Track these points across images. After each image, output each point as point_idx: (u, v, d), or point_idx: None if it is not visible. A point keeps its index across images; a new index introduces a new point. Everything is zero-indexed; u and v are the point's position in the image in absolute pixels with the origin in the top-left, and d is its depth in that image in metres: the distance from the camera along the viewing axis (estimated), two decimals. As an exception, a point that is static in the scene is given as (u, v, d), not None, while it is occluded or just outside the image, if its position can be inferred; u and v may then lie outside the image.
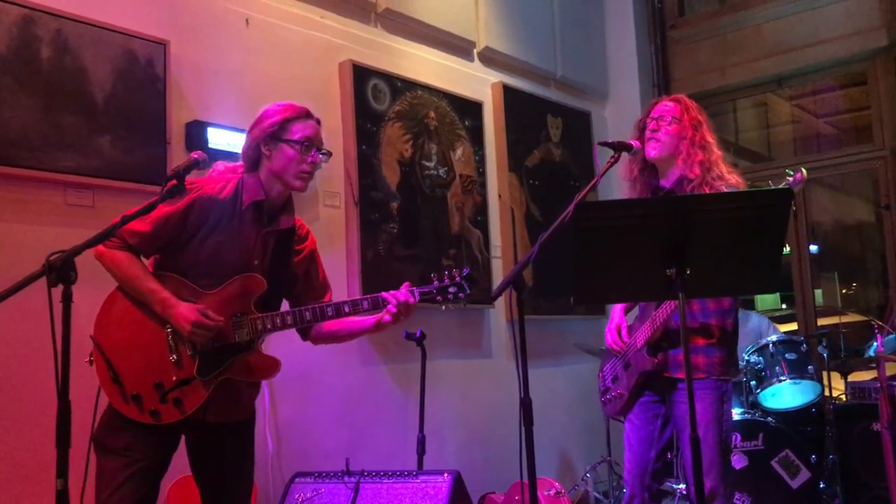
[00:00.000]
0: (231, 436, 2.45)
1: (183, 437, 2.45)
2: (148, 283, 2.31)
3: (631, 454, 2.97)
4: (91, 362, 2.29)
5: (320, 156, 2.47)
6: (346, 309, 2.44)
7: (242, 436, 2.51)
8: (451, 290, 2.51)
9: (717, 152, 2.92)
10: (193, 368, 2.31)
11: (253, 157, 2.45)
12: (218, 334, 2.33)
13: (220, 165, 2.52)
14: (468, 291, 2.53)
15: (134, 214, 2.20)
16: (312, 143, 2.45)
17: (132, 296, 2.32)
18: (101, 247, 2.27)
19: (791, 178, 2.67)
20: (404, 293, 2.45)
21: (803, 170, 2.67)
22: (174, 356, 2.30)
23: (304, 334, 2.64)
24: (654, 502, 2.94)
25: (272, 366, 2.44)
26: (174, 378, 2.29)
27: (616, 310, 3.17)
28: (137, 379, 2.27)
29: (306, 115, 2.47)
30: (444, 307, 2.58)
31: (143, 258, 2.38)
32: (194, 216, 2.33)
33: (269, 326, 2.39)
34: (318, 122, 2.51)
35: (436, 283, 2.53)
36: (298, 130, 2.43)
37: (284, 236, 2.51)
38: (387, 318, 2.46)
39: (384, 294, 2.45)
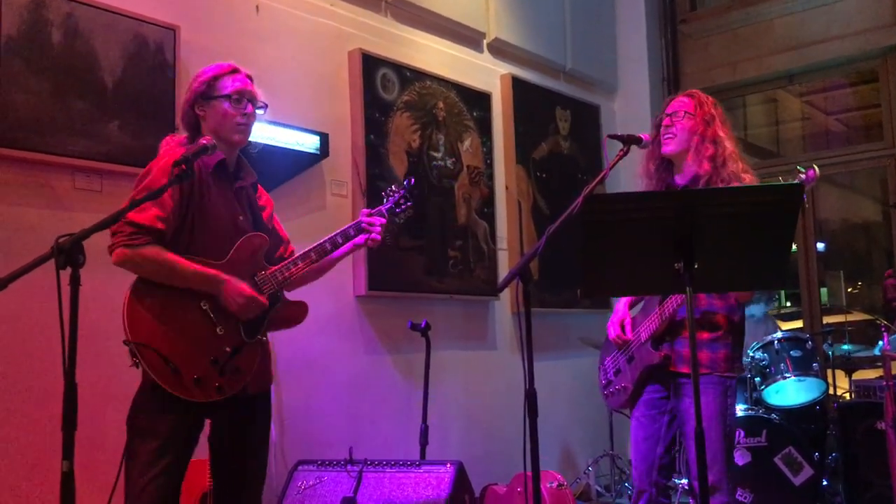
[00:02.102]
0: (258, 410, 2.50)
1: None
2: (190, 266, 2.30)
3: (637, 451, 2.96)
4: (137, 365, 2.25)
5: (253, 107, 2.49)
6: (352, 232, 2.61)
7: (266, 409, 2.57)
8: (402, 202, 2.75)
9: (729, 147, 2.89)
10: (240, 334, 2.36)
11: (191, 121, 2.48)
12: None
13: (170, 141, 2.53)
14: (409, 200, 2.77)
15: (143, 199, 2.19)
16: (244, 96, 2.47)
17: (170, 285, 2.29)
18: (123, 250, 2.25)
19: (803, 175, 2.62)
20: (378, 218, 2.65)
21: (815, 167, 2.63)
22: (220, 329, 2.32)
23: None
24: (663, 498, 2.94)
25: (303, 308, 2.56)
26: (227, 349, 2.32)
27: (620, 303, 3.16)
28: (193, 362, 2.27)
29: (234, 70, 2.49)
30: (397, 220, 2.78)
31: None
32: (182, 186, 2.33)
33: (287, 275, 2.47)
34: (250, 77, 2.52)
35: (391, 200, 2.74)
36: (227, 85, 2.45)
37: (251, 193, 2.57)
38: (370, 244, 2.64)
39: (364, 222, 2.63)
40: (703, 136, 2.87)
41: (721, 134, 2.89)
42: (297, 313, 2.55)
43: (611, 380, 3.13)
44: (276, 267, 2.47)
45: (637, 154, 2.97)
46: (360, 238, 2.62)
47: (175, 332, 2.28)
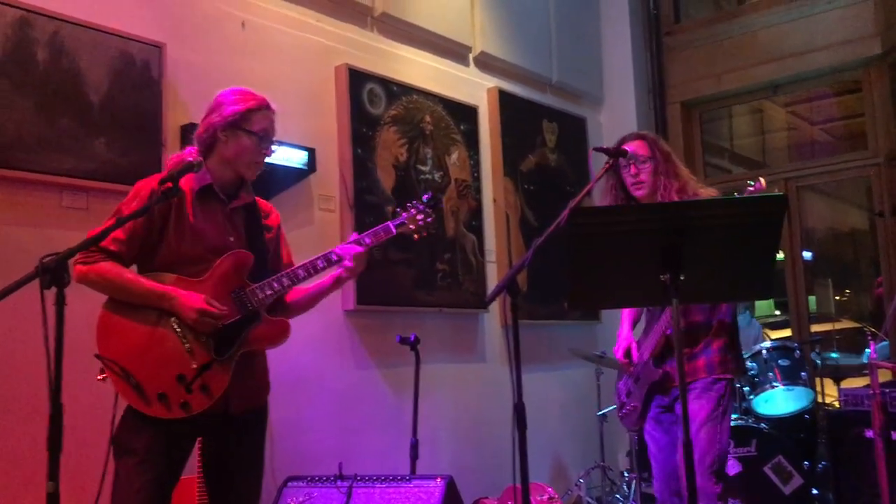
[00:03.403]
0: (248, 428, 2.47)
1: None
2: (143, 284, 2.32)
3: (656, 463, 3.06)
4: (105, 379, 2.28)
5: (273, 149, 2.52)
6: (322, 264, 2.51)
7: (258, 427, 2.53)
8: (419, 217, 2.63)
9: (685, 174, 3.07)
10: (210, 352, 2.33)
11: (208, 141, 2.47)
12: (225, 314, 2.35)
13: (175, 157, 2.53)
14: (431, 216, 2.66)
15: (128, 217, 2.20)
16: (268, 136, 2.49)
17: (127, 302, 2.31)
18: (79, 267, 2.28)
19: (752, 188, 2.77)
20: (352, 247, 2.52)
21: (762, 179, 2.78)
22: (188, 345, 2.31)
23: (275, 309, 2.62)
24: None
25: (284, 328, 2.49)
26: (194, 366, 2.29)
27: (624, 329, 3.24)
28: (158, 378, 2.26)
29: (267, 106, 2.50)
30: (416, 236, 2.65)
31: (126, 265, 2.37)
32: (157, 208, 2.33)
33: (269, 292, 2.43)
34: (274, 113, 2.54)
35: (404, 215, 2.64)
36: (258, 121, 2.46)
37: (251, 212, 2.55)
38: (344, 274, 2.54)
39: (336, 250, 2.52)
40: (666, 173, 3.01)
41: (678, 166, 3.07)
42: (277, 332, 2.47)
43: (624, 401, 3.24)
44: (259, 283, 2.43)
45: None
46: (337, 270, 2.54)
47: (142, 348, 2.28)
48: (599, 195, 3.22)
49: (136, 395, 2.25)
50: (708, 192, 3.01)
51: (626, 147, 3.04)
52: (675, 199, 2.95)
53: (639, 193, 3.03)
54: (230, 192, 2.50)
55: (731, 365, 2.96)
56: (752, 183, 2.78)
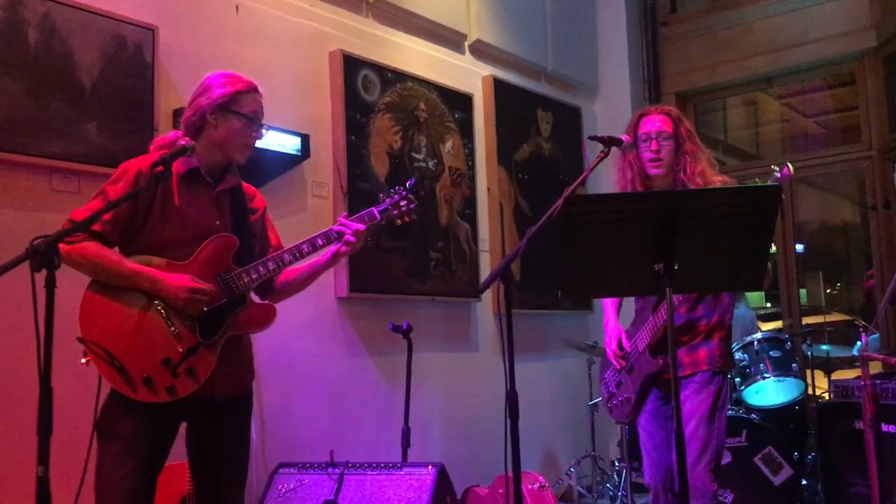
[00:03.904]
0: (234, 413, 2.46)
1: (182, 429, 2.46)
2: (128, 265, 2.29)
3: (649, 459, 3.01)
4: (88, 363, 2.25)
5: (263, 132, 2.50)
6: (307, 248, 2.50)
7: (243, 412, 2.51)
8: (403, 203, 2.65)
9: (706, 159, 2.97)
10: (196, 335, 2.31)
11: (197, 124, 2.44)
12: (211, 298, 2.34)
13: (159, 140, 2.51)
14: (415, 201, 2.68)
15: (119, 201, 2.18)
16: (258, 119, 2.48)
17: (111, 284, 2.29)
18: (62, 246, 2.20)
19: (778, 174, 2.70)
20: (355, 224, 2.54)
21: (790, 165, 2.71)
22: (174, 329, 2.29)
23: (265, 292, 2.63)
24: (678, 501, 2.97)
25: (270, 312, 2.47)
26: (180, 350, 2.28)
27: (611, 320, 3.17)
28: (143, 362, 2.24)
29: (255, 89, 2.49)
30: (399, 221, 2.67)
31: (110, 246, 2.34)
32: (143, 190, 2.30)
33: (254, 277, 2.42)
34: (262, 96, 2.52)
35: (387, 200, 2.65)
36: (248, 104, 2.45)
37: (236, 196, 2.53)
38: (344, 248, 2.53)
39: (336, 227, 2.53)
40: (692, 154, 2.92)
41: (701, 147, 2.97)
42: (263, 315, 2.45)
43: (613, 392, 3.18)
44: (245, 268, 2.41)
45: (615, 157, 2.99)
46: (335, 245, 2.54)
47: (128, 331, 2.26)
48: (597, 184, 3.15)
49: (121, 379, 2.22)
50: (720, 181, 2.91)
51: (647, 121, 2.96)
52: (699, 181, 2.86)
53: (655, 171, 2.93)
54: (216, 176, 2.48)
55: (728, 358, 2.94)
56: (778, 169, 2.70)
